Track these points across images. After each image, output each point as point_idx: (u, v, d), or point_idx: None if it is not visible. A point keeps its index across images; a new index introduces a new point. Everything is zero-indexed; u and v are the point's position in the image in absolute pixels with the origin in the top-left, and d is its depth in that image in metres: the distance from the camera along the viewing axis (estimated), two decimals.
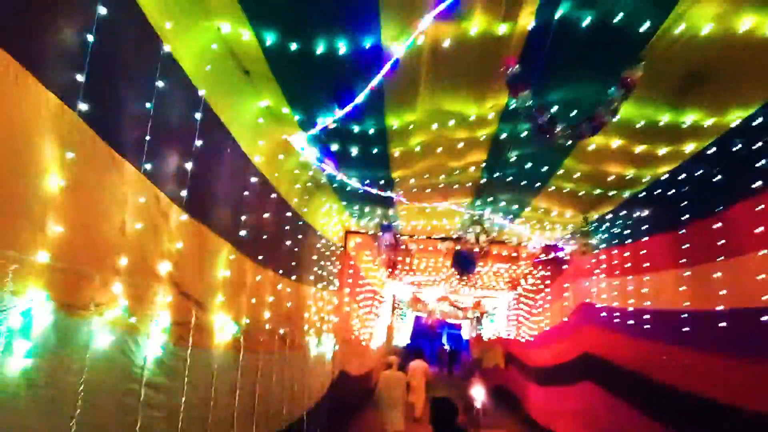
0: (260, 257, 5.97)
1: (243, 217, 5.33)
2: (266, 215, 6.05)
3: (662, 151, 5.55)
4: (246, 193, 5.38)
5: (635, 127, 5.08)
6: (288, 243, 7.13)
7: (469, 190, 7.92)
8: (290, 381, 7.47)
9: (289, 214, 7.03)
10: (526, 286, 16.15)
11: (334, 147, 5.92)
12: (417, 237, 11.50)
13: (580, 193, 7.27)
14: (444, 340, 39.67)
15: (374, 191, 7.28)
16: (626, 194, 7.20)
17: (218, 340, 4.96)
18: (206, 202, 4.65)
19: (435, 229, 10.99)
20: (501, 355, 21.95)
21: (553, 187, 7.32)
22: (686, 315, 7.07)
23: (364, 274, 15.18)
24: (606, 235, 8.81)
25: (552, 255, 12.94)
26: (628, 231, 8.40)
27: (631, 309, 9.04)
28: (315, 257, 8.97)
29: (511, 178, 7.21)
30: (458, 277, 12.84)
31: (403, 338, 27.00)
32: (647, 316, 8.43)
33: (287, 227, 7.00)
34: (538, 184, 7.30)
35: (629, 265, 8.71)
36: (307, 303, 8.56)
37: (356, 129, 5.34)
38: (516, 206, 8.58)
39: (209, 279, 4.84)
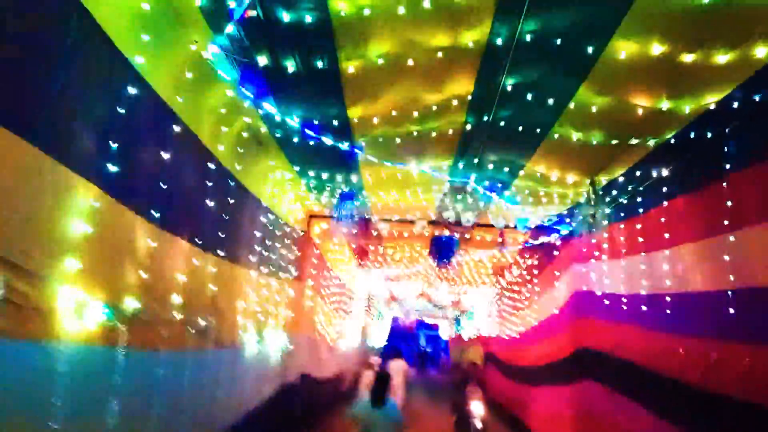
0: (158, 215, 4.15)
1: (116, 145, 3.50)
2: (167, 155, 4.23)
3: (723, 58, 3.87)
4: (121, 109, 3.55)
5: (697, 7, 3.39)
6: (212, 206, 5.30)
7: (449, 145, 6.18)
8: (212, 386, 5.65)
9: (212, 165, 5.22)
10: (510, 279, 14.50)
11: (262, 61, 4.14)
12: (389, 218, 9.73)
13: (593, 142, 5.57)
14: (422, 341, 37.95)
15: (328, 141, 5.52)
16: (652, 143, 5.53)
17: (66, 329, 3.14)
18: (28, 102, 2.82)
19: (409, 207, 9.24)
20: (480, 353, 20.30)
21: (557, 136, 5.62)
22: (729, 294, 5.42)
23: (332, 265, 13.36)
24: (615, 206, 7.15)
25: (542, 240, 11.30)
26: (644, 197, 6.75)
27: (643, 293, 7.41)
28: (259, 234, 7.15)
29: (503, 122, 5.49)
30: (437, 265, 11.14)
31: (379, 339, 25.17)
32: (667, 300, 6.80)
33: (210, 184, 5.19)
34: (539, 131, 5.60)
35: (642, 239, 7.05)
36: (245, 290, 6.73)
37: (286, 17, 3.56)
38: (507, 170, 6.86)
39: (46, 232, 3.02)
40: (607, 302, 8.84)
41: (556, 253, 11.39)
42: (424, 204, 8.84)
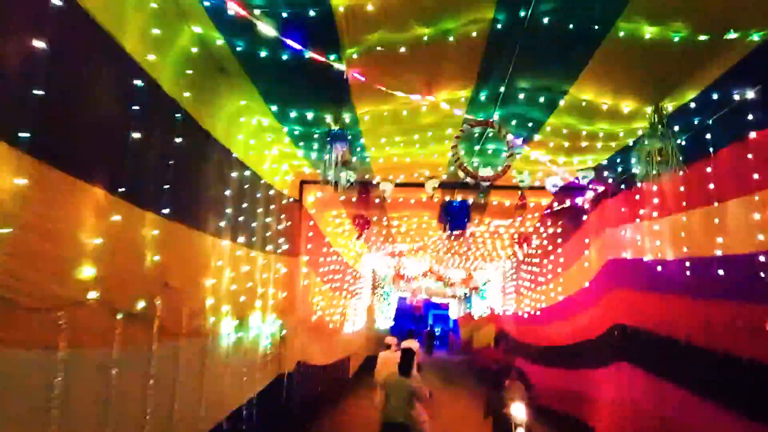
0: (27, 135, 2.59)
1: None
2: (47, 43, 2.66)
3: None
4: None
5: None
6: (144, 143, 3.73)
7: (470, 60, 4.55)
8: (166, 388, 4.14)
9: (140, 83, 3.62)
10: (528, 250, 12.93)
11: None
12: (392, 179, 8.13)
13: (674, 39, 3.94)
14: (431, 321, 36.60)
15: (308, 55, 3.93)
16: (756, 37, 3.90)
17: None
18: None
19: (417, 163, 7.64)
20: (493, 333, 18.86)
21: (622, 35, 4.00)
22: None
23: (331, 241, 11.82)
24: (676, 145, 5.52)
25: (568, 203, 9.71)
26: (721, 128, 5.14)
27: (703, 257, 5.85)
28: (231, 195, 5.59)
29: (547, 18, 3.88)
30: (448, 234, 9.59)
31: (385, 321, 23.75)
32: (737, 264, 5.25)
33: (137, 109, 3.60)
34: (597, 27, 3.98)
35: (714, 186, 5.46)
36: (215, 264, 5.19)
37: None
38: (542, 102, 5.23)
39: None
40: (647, 271, 7.30)
41: (584, 217, 9.81)
42: (434, 158, 7.23)
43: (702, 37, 3.87)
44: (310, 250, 9.98)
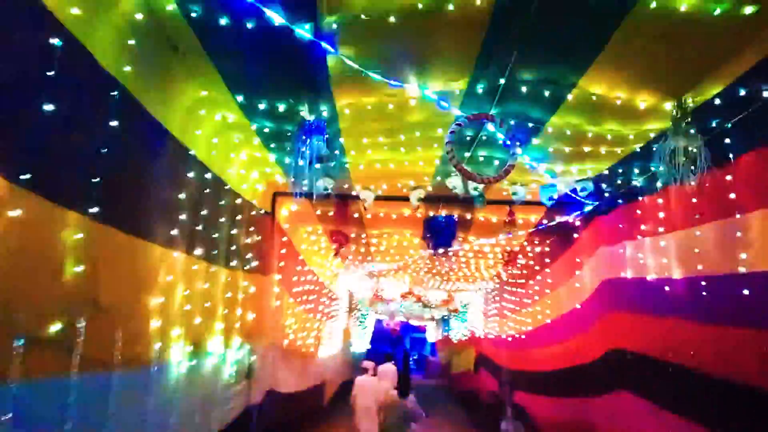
0: None
1: None
2: None
3: None
4: None
5: None
6: (64, 122, 2.90)
7: (469, 44, 3.85)
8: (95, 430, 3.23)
9: (57, 41, 2.81)
10: (514, 271, 12.23)
11: None
12: (374, 189, 7.33)
13: (713, 12, 3.29)
14: (408, 345, 35.56)
15: (276, 20, 3.18)
16: None
17: None
18: None
19: (401, 172, 6.88)
20: (473, 356, 18.04)
21: (654, 6, 3.34)
22: None
23: (306, 259, 10.94)
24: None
25: (558, 220, 9.04)
26: (745, 129, 4.51)
27: (714, 275, 5.19)
28: (186, 199, 4.75)
29: None
30: (433, 252, 8.83)
31: (361, 344, 22.73)
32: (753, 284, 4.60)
33: (52, 75, 2.78)
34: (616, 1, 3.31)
35: (735, 196, 4.81)
36: (165, 280, 4.32)
37: None
38: (547, 96, 4.54)
39: None
40: (653, 290, 6.63)
41: (576, 235, 9.14)
42: (421, 165, 6.49)
43: (748, 9, 3.21)
44: (283, 269, 9.10)
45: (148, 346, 4.04)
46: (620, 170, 6.31)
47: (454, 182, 6.62)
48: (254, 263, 7.24)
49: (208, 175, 5.18)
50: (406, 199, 8.45)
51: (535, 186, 7.02)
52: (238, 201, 6.26)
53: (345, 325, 18.55)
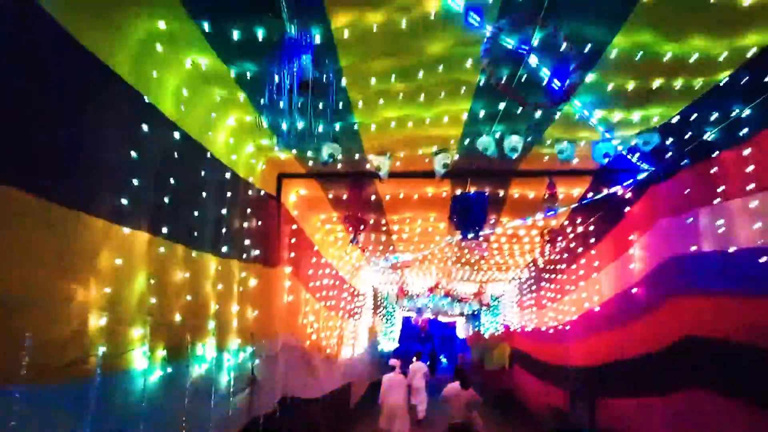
0: None
1: None
2: None
3: None
4: None
5: None
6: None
7: None
8: None
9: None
10: (553, 255, 10.90)
11: None
12: (389, 155, 6.09)
13: None
14: (437, 342, 34.23)
15: None
16: None
17: None
18: None
19: (421, 136, 5.67)
20: (507, 353, 16.68)
21: None
22: None
23: (321, 249, 9.81)
24: None
25: (603, 193, 7.70)
26: None
27: None
28: (146, 161, 3.62)
29: None
30: (462, 238, 7.59)
31: (389, 342, 21.54)
32: None
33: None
34: None
35: None
36: (113, 264, 3.20)
37: None
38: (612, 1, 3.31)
39: None
40: (737, 265, 5.30)
41: (627, 209, 7.81)
42: (445, 122, 5.27)
43: None
44: (294, 261, 7.98)
45: (86, 351, 2.91)
46: (693, 116, 4.98)
47: (486, 142, 5.38)
48: (255, 252, 6.12)
49: (177, 135, 4.05)
50: (428, 174, 7.23)
51: (584, 144, 5.72)
52: (227, 174, 5.12)
53: (371, 323, 17.40)
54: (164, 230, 3.86)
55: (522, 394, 14.40)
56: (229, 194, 5.12)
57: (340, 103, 4.61)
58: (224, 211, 5.04)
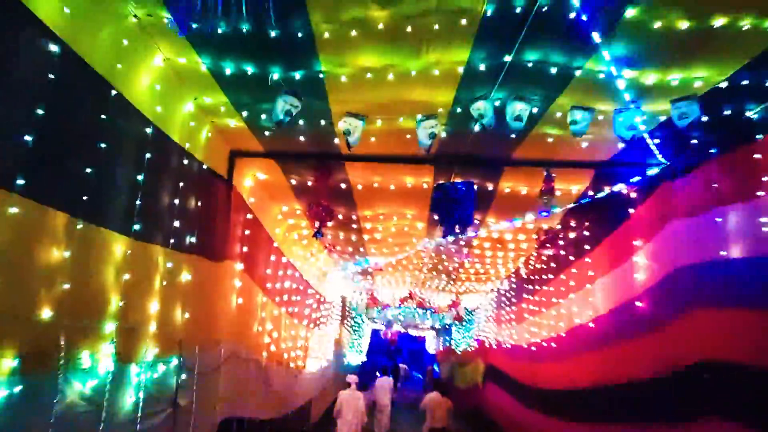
0: None
1: None
2: None
3: None
4: None
5: None
6: None
7: None
8: None
9: None
10: (536, 265, 9.80)
11: None
12: (366, 120, 4.87)
13: None
14: (405, 356, 32.88)
15: None
16: None
17: None
18: None
19: (403, 98, 4.49)
20: (481, 370, 15.51)
21: None
22: None
23: (283, 248, 8.49)
24: None
25: (604, 192, 6.63)
26: None
27: None
28: (31, 95, 2.35)
29: None
30: (446, 235, 6.41)
31: (356, 356, 20.16)
32: None
33: None
34: None
35: None
36: None
37: None
38: None
39: None
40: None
41: (631, 210, 6.75)
42: (436, 77, 4.09)
43: None
44: (248, 256, 6.67)
45: None
46: (745, 82, 3.92)
47: (483, 108, 4.22)
48: (190, 240, 4.81)
49: (57, 50, 2.76)
50: (409, 160, 6.08)
51: (602, 118, 4.62)
52: (148, 130, 3.83)
53: (337, 334, 16.05)
54: (29, 186, 2.56)
55: (496, 414, 13.22)
56: (149, 157, 3.82)
57: (299, 33, 3.39)
58: (140, 178, 3.74)
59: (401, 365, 30.57)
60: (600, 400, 7.36)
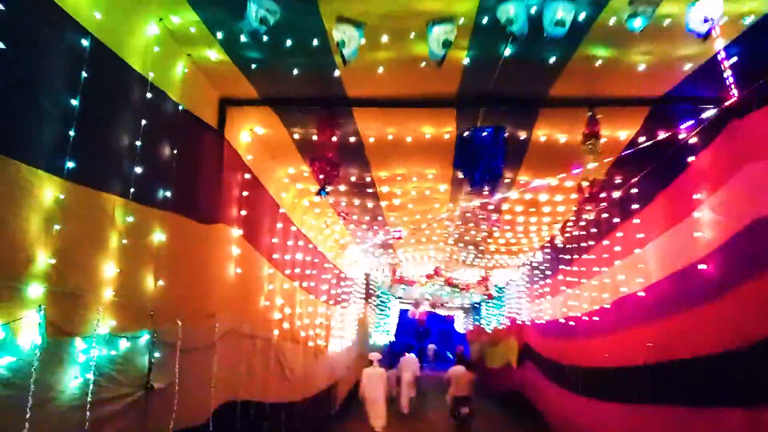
0: None
1: None
2: None
3: None
4: None
5: None
6: None
7: None
8: None
9: None
10: (573, 232, 8.74)
11: None
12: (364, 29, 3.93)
13: None
14: (434, 337, 32.08)
15: None
16: None
17: None
18: None
19: (416, 17, 3.54)
20: (515, 348, 14.50)
21: None
22: None
23: (291, 214, 7.64)
24: None
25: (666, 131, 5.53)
26: None
27: None
28: None
29: None
30: (473, 187, 5.48)
31: (382, 336, 19.41)
32: None
33: None
34: None
35: None
36: None
37: None
38: None
39: None
40: None
41: (691, 158, 5.66)
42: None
43: None
44: (248, 221, 5.86)
45: None
46: None
47: (513, 13, 3.25)
48: (163, 193, 4.00)
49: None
50: (426, 102, 5.14)
51: (668, 23, 3.58)
52: (84, 42, 2.98)
53: (361, 313, 15.30)
54: None
55: (535, 397, 12.27)
56: (87, 77, 2.97)
57: None
58: (74, 104, 2.90)
59: (430, 345, 29.89)
60: (652, 379, 6.35)
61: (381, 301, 18.61)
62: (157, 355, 3.84)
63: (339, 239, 10.35)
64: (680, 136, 5.54)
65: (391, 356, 18.72)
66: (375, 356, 10.36)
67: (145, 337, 3.75)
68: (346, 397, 12.80)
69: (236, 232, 5.57)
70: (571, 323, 9.20)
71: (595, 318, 8.19)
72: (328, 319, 10.71)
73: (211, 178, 4.99)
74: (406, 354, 14.06)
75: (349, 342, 13.42)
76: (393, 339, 22.02)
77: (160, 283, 3.93)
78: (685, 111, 5.29)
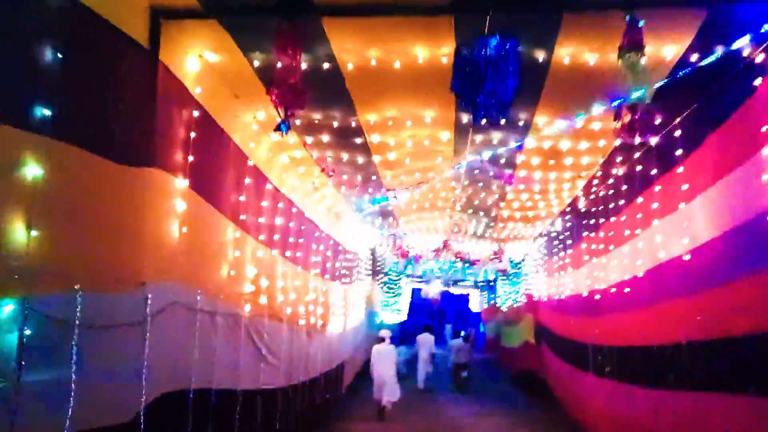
0: None
1: None
2: None
3: None
4: None
5: None
6: None
7: None
8: None
9: None
10: (597, 192, 7.45)
11: None
12: None
13: None
14: (449, 318, 30.93)
15: None
16: None
17: None
18: None
19: None
20: (531, 326, 13.33)
21: None
22: None
23: (264, 170, 6.47)
24: None
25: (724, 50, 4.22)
26: None
27: None
28: None
29: None
30: (476, 121, 4.29)
31: (392, 315, 18.34)
32: None
33: None
34: None
35: None
36: None
37: None
38: None
39: None
40: None
41: (758, 81, 4.33)
42: None
43: None
44: (200, 170, 4.70)
45: None
46: None
47: None
48: (43, 113, 2.86)
49: None
50: (416, 8, 3.92)
51: None
52: None
53: (368, 291, 14.22)
54: None
55: (551, 376, 11.14)
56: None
57: None
58: None
59: (447, 325, 28.77)
60: (706, 358, 5.12)
61: (390, 279, 17.48)
62: (28, 332, 2.74)
63: (332, 206, 9.19)
64: (744, 53, 4.27)
65: (403, 336, 17.83)
66: (386, 333, 10.56)
67: (10, 308, 2.65)
68: (353, 380, 11.84)
69: (180, 182, 4.43)
70: (597, 297, 7.96)
71: (626, 291, 6.94)
72: (325, 296, 9.63)
73: (136, 108, 3.84)
74: (424, 333, 14.37)
75: (356, 321, 12.38)
76: (405, 318, 20.99)
77: (34, 233, 2.81)
78: (750, 17, 4.00)
